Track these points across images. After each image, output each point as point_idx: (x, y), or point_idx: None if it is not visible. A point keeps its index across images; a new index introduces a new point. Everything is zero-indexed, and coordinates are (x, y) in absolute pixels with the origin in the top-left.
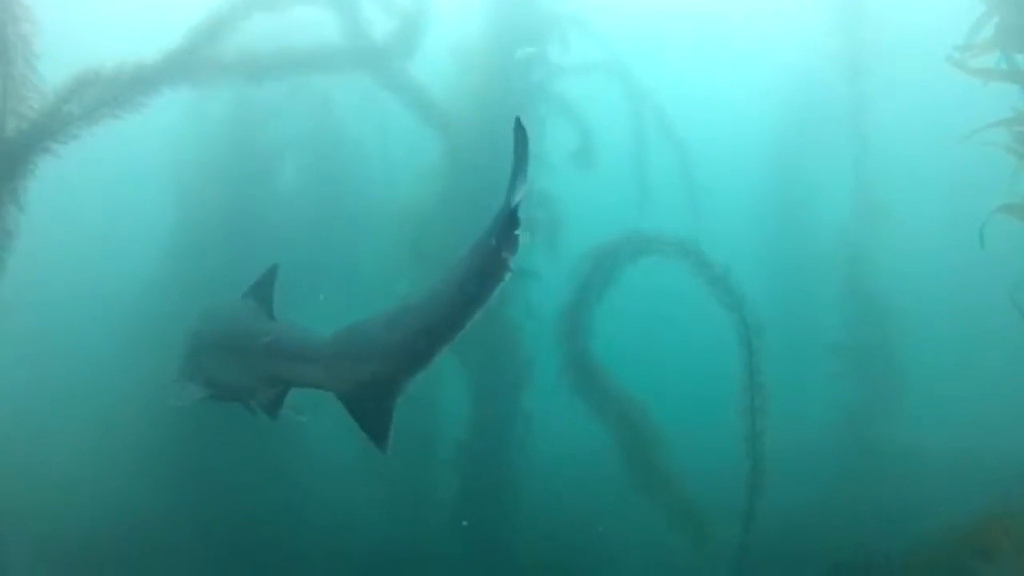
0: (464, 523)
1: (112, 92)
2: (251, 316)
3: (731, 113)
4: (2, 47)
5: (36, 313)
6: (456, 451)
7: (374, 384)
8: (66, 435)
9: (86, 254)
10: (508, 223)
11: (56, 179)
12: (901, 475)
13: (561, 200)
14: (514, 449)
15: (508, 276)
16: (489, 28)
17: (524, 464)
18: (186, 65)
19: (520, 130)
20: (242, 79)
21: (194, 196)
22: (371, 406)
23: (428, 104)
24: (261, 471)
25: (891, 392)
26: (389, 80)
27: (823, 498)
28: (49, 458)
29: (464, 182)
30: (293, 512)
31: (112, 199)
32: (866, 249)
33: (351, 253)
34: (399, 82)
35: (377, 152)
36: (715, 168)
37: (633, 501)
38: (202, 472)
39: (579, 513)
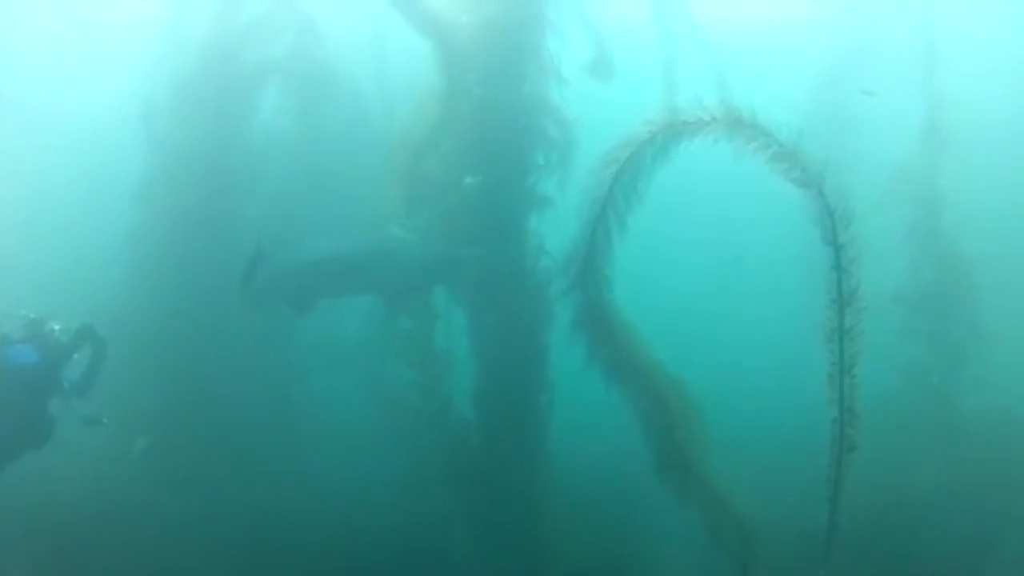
0: None
1: None
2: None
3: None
4: None
5: None
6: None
7: None
8: None
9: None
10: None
11: None
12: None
13: (577, 117)
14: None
15: None
16: None
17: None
18: None
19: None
20: None
21: (170, 128)
22: None
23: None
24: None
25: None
26: None
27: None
28: None
29: (462, 104)
30: None
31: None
32: None
33: (341, 185)
34: None
35: (370, 77)
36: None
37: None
38: None
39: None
